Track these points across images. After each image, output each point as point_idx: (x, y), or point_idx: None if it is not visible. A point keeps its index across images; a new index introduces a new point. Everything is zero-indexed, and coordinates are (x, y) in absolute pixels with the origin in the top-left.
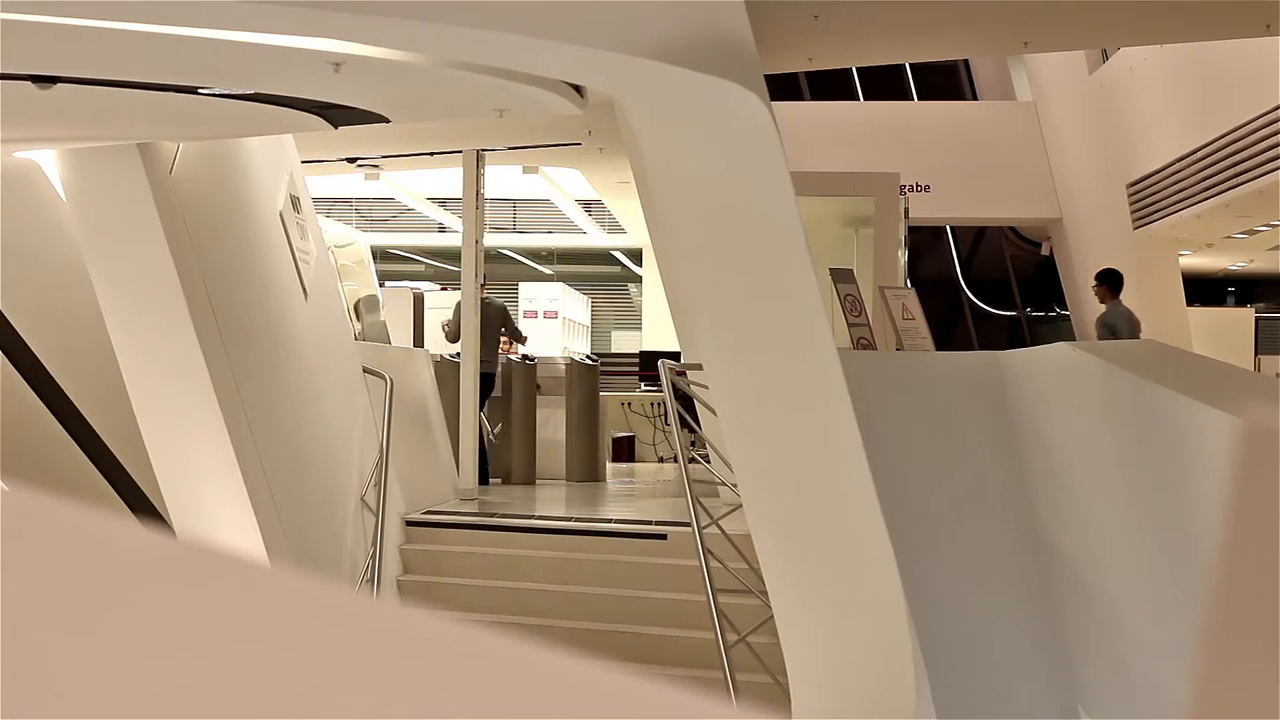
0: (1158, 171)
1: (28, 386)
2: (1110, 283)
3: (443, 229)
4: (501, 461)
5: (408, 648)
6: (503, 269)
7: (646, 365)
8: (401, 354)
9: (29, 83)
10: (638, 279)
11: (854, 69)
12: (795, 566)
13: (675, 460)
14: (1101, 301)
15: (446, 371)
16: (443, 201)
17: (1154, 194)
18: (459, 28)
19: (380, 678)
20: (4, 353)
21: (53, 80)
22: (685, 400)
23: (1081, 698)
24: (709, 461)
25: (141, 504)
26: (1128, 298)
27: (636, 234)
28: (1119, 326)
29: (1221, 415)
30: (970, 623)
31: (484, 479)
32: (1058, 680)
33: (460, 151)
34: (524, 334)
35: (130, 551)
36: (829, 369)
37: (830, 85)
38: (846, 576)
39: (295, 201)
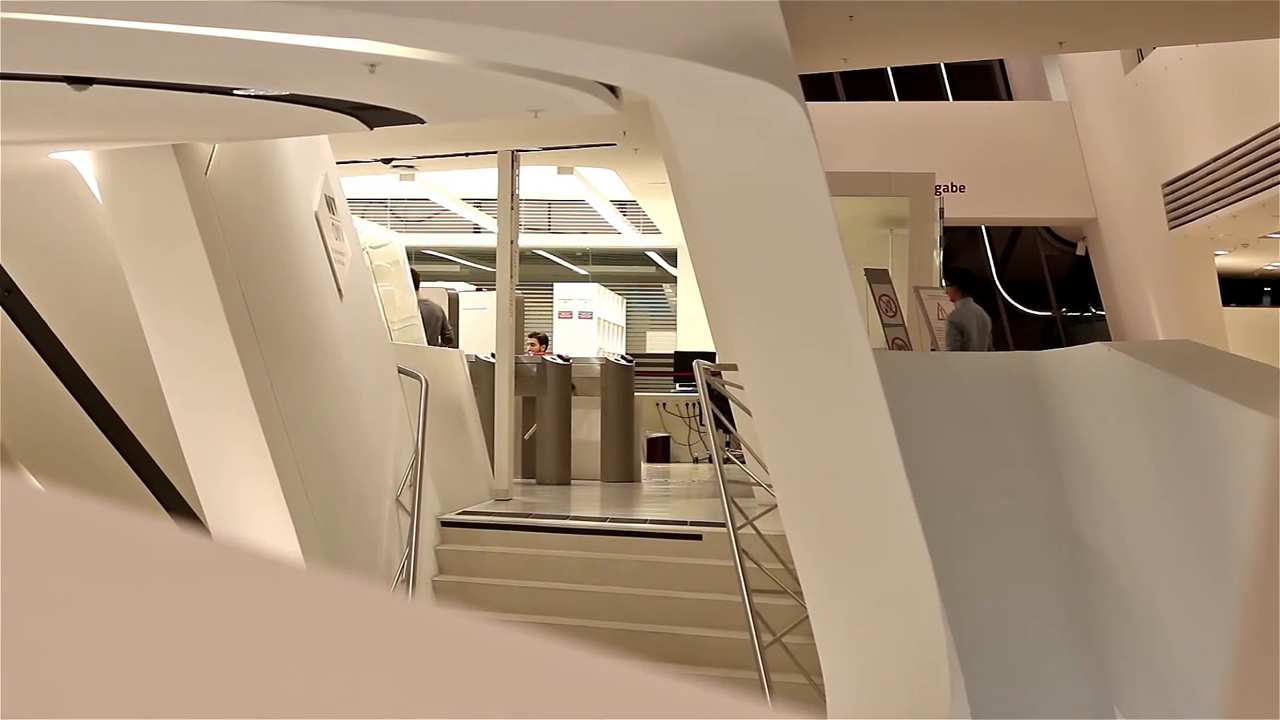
0: (1193, 171)
1: (63, 387)
2: (961, 282)
3: (478, 230)
4: (536, 462)
5: (442, 648)
6: (538, 269)
7: (681, 366)
8: (436, 354)
9: (65, 84)
10: (672, 279)
11: (889, 69)
12: (830, 567)
13: (710, 461)
14: (952, 300)
15: (481, 372)
16: (478, 202)
17: (1189, 194)
18: (494, 28)
19: (415, 677)
20: (40, 353)
21: (88, 82)
22: (720, 401)
23: (1117, 697)
24: (744, 462)
25: (177, 504)
26: (1162, 298)
27: (671, 234)
28: (968, 325)
29: (1257, 415)
30: (1005, 622)
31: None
32: (1093, 679)
33: (495, 152)
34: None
35: (165, 551)
36: (864, 369)
37: (865, 85)
38: (881, 576)
39: (330, 202)
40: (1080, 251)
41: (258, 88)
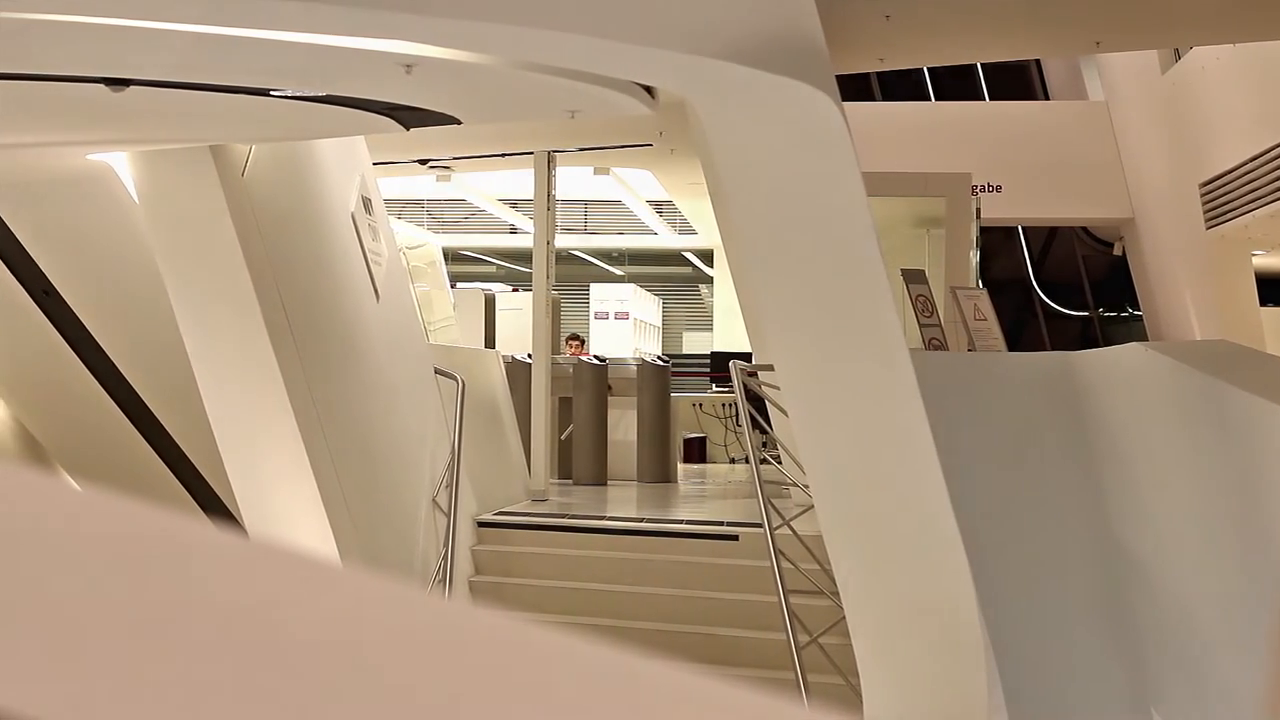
0: (1230, 171)
1: (100, 388)
2: None
3: (514, 230)
4: (572, 462)
5: (479, 648)
6: (574, 270)
7: (717, 366)
8: (472, 355)
9: (102, 85)
10: (709, 280)
11: (925, 69)
12: (867, 567)
13: (746, 461)
14: None
15: (518, 372)
16: (514, 203)
17: (1226, 193)
18: (530, 29)
19: (452, 677)
20: (77, 354)
21: (126, 83)
22: (757, 401)
23: (1153, 698)
24: (780, 462)
25: (214, 504)
26: (1199, 298)
27: (707, 235)
28: None
29: None
30: (1042, 623)
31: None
32: (1129, 681)
33: (531, 153)
34: None
35: (202, 551)
36: (901, 370)
37: (901, 85)
38: (918, 577)
39: (367, 203)
40: (1117, 251)
41: (294, 88)
